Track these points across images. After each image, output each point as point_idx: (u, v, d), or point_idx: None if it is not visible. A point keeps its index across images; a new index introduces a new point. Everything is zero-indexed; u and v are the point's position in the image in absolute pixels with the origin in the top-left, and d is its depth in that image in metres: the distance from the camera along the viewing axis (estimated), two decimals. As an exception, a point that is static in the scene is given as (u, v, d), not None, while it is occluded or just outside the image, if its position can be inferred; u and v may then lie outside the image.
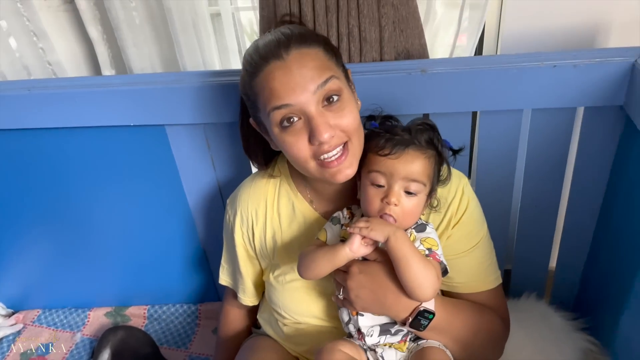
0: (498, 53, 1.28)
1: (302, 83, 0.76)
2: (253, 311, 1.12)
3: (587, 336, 1.17)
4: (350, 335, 0.87)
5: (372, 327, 0.83)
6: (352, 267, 0.81)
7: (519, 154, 1.11)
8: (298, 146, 0.79)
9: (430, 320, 0.79)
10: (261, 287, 1.06)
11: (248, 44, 1.39)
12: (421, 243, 0.80)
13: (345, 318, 0.86)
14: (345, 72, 0.85)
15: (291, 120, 0.78)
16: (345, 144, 0.79)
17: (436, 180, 0.83)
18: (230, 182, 1.20)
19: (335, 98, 0.78)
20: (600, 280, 1.20)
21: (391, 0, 1.00)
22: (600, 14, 1.19)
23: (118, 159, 1.21)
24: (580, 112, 1.04)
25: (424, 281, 0.76)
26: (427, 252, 0.79)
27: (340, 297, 0.83)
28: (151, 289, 1.45)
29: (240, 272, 1.02)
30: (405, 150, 0.79)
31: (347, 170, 0.80)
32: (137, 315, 1.45)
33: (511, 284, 1.33)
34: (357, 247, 0.78)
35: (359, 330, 0.83)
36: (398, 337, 0.84)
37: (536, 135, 1.08)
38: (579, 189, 1.14)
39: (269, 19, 1.05)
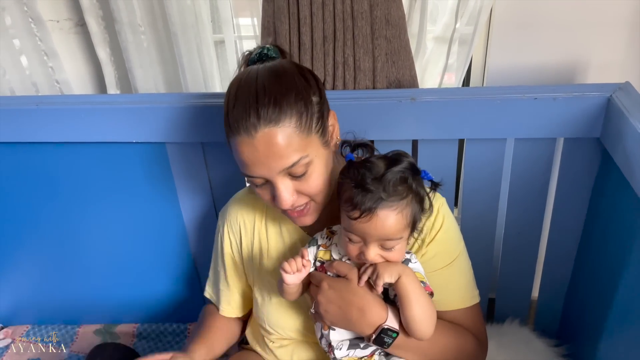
0: (484, 85, 1.35)
1: (267, 163, 0.76)
2: (236, 324, 1.10)
3: (568, 362, 1.20)
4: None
5: (341, 341, 0.84)
6: (322, 282, 0.84)
7: (503, 183, 1.15)
8: (265, 197, 0.83)
9: (394, 338, 0.80)
10: (247, 301, 1.07)
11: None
12: None
13: (318, 333, 0.88)
14: (321, 124, 0.80)
15: (257, 180, 0.81)
16: (307, 202, 0.82)
17: (418, 218, 0.80)
18: (226, 201, 1.23)
19: (301, 175, 0.79)
20: (581, 308, 1.22)
21: (384, 33, 1.07)
22: (580, 53, 1.26)
23: (118, 175, 1.23)
24: (560, 143, 1.09)
25: (425, 320, 0.78)
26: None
27: (312, 311, 0.86)
28: (142, 307, 1.46)
29: (227, 282, 1.04)
30: (374, 212, 0.74)
31: (306, 219, 0.84)
32: (126, 333, 1.45)
33: (495, 313, 1.35)
34: (289, 280, 0.82)
35: (329, 344, 0.85)
36: (368, 351, 0.85)
37: (519, 164, 1.12)
38: (560, 218, 1.18)
39: (269, 46, 1.12)
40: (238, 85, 0.79)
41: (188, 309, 1.45)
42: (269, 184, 0.80)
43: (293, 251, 0.96)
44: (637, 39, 1.23)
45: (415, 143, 1.13)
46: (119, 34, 1.32)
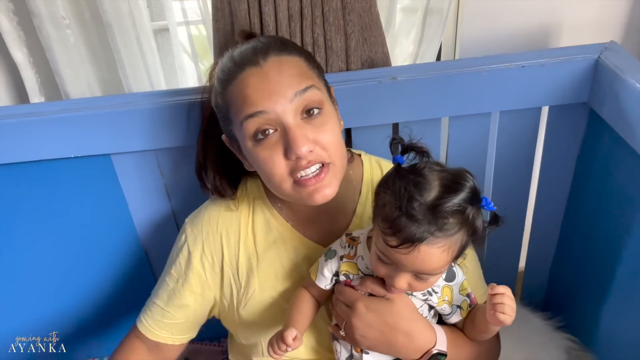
0: (457, 58, 1.29)
1: (278, 90, 0.70)
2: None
3: (566, 334, 1.18)
4: None
5: None
6: (357, 303, 0.74)
7: (488, 158, 1.10)
8: (273, 160, 0.72)
9: None
10: (195, 326, 0.93)
11: (194, 65, 1.31)
12: (460, 293, 0.75)
13: (345, 354, 0.79)
14: (327, 87, 0.80)
15: (266, 132, 0.71)
16: (324, 165, 0.73)
17: (466, 248, 0.68)
18: (188, 211, 1.10)
19: (316, 111, 0.73)
20: (570, 277, 1.21)
21: (355, 7, 0.96)
22: (553, 16, 1.23)
23: (58, 197, 1.08)
24: (545, 111, 1.05)
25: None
26: (467, 299, 0.76)
27: (342, 333, 0.76)
28: (99, 338, 1.31)
29: (181, 303, 0.88)
30: (416, 247, 0.63)
31: (325, 189, 0.73)
32: (84, 370, 1.29)
33: (483, 288, 1.33)
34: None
35: None
36: None
37: (504, 138, 1.08)
38: (545, 187, 1.15)
39: (225, 31, 0.98)
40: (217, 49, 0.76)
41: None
42: (280, 135, 0.71)
43: (289, 258, 0.85)
44: (609, -1, 1.21)
45: (395, 126, 1.05)
46: (39, 29, 1.13)
